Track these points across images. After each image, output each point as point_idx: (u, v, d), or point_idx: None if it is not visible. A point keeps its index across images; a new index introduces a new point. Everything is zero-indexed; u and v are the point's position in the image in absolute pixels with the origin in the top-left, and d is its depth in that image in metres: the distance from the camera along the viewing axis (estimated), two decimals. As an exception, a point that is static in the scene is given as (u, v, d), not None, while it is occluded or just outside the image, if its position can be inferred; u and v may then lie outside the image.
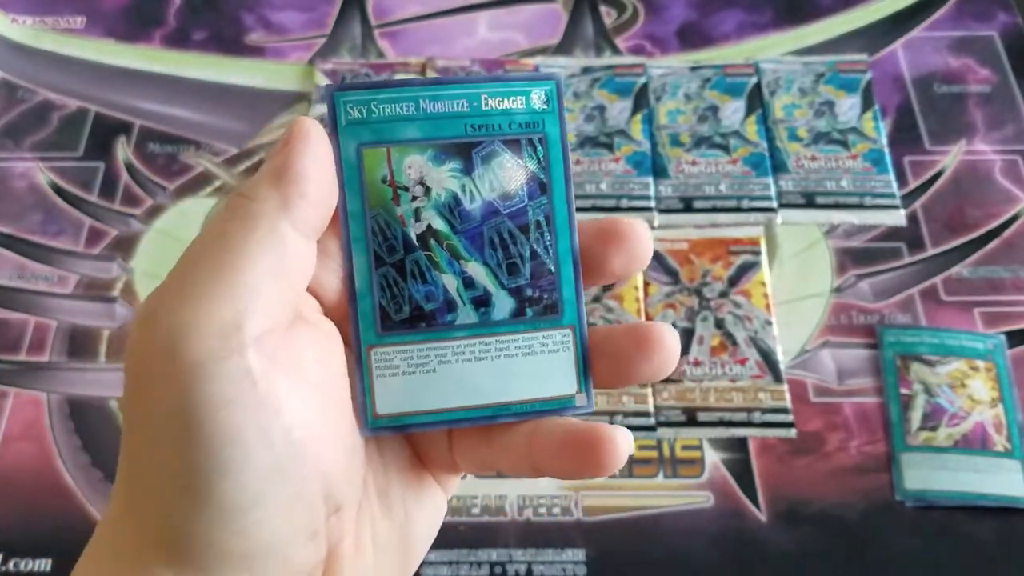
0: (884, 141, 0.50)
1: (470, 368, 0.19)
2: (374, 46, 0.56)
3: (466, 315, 0.19)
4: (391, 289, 0.19)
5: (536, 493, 0.40)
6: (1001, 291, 0.46)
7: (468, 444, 0.20)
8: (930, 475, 0.40)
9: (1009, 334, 0.44)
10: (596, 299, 0.45)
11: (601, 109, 0.52)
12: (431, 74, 0.53)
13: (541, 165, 0.19)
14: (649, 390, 0.42)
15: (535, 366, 0.19)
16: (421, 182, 0.19)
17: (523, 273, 0.19)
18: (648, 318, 0.45)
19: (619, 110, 0.51)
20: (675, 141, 0.50)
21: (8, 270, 0.47)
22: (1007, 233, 0.48)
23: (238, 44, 0.56)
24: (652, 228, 0.48)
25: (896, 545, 0.39)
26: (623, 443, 0.18)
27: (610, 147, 0.50)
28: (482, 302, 0.19)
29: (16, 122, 0.52)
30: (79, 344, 0.45)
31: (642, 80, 0.53)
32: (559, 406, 0.19)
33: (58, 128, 0.52)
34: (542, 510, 0.40)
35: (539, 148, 0.19)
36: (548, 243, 0.19)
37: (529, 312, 0.19)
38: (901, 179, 0.49)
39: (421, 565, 0.38)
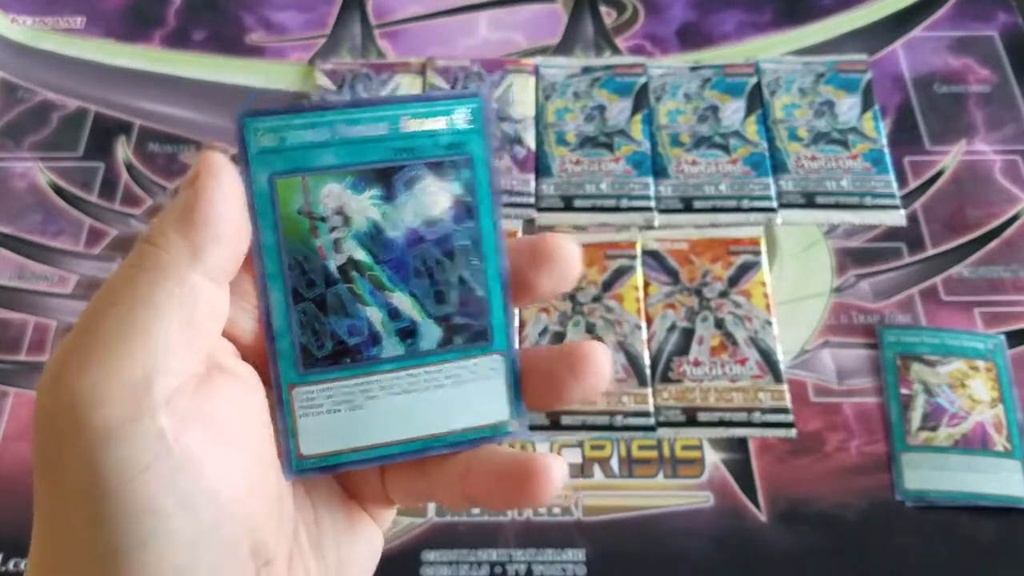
0: (884, 141, 0.50)
1: (398, 401, 0.18)
2: (374, 46, 0.56)
3: (392, 347, 0.18)
4: (312, 325, 0.18)
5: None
6: (1001, 291, 0.46)
7: (401, 477, 0.19)
8: (930, 475, 0.40)
9: (1009, 334, 0.44)
10: (596, 299, 0.45)
11: (601, 109, 0.52)
12: (431, 74, 0.53)
13: (466, 188, 0.18)
14: (649, 390, 0.42)
15: (466, 395, 0.19)
16: (340, 211, 0.18)
17: (451, 300, 0.19)
18: (648, 318, 0.45)
19: (619, 110, 0.51)
20: (675, 141, 0.50)
21: (8, 270, 0.47)
22: (1007, 233, 0.48)
23: (238, 44, 0.56)
24: (652, 228, 0.48)
25: (896, 545, 0.39)
26: (557, 473, 0.17)
27: (610, 147, 0.50)
28: (408, 333, 0.18)
29: (16, 122, 0.52)
30: (79, 344, 0.45)
31: (642, 80, 0.53)
32: (493, 434, 0.19)
33: (58, 128, 0.52)
34: (542, 510, 0.40)
35: (464, 170, 0.18)
36: (476, 268, 0.19)
37: (458, 340, 0.19)
38: (901, 179, 0.49)
39: (421, 565, 0.38)
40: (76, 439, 0.15)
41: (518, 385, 0.19)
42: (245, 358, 0.18)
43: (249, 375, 0.18)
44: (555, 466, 0.17)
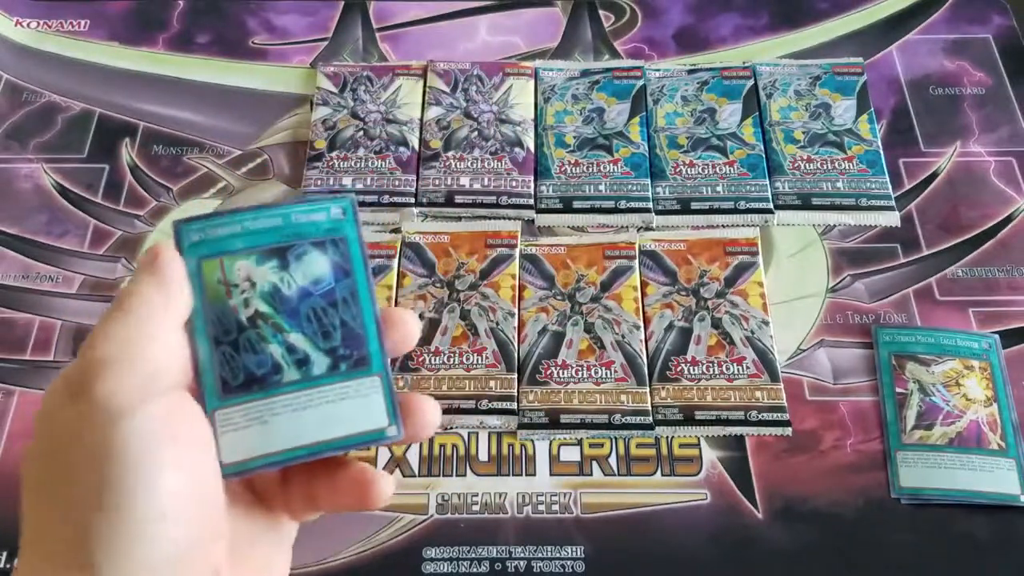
0: (879, 143, 0.51)
1: (297, 416, 0.23)
2: (376, 49, 0.56)
3: (291, 374, 0.24)
4: (229, 363, 0.23)
5: (535, 491, 0.41)
6: (996, 291, 0.46)
7: (299, 488, 0.24)
8: (925, 473, 0.40)
9: (1003, 334, 0.45)
10: (595, 299, 0.46)
11: (599, 111, 0.52)
12: (432, 75, 0.54)
13: (344, 257, 0.24)
14: (647, 389, 0.43)
15: (351, 408, 0.23)
16: (248, 279, 0.24)
17: (335, 337, 0.24)
18: (646, 317, 0.45)
19: (617, 112, 0.52)
20: (673, 143, 0.51)
21: (13, 270, 0.48)
22: (1002, 234, 0.48)
23: (241, 47, 0.56)
24: (650, 229, 0.48)
25: (891, 542, 0.39)
26: (384, 484, 0.23)
27: (608, 149, 0.51)
28: (303, 362, 0.24)
29: (21, 124, 0.53)
30: (83, 343, 0.45)
31: (640, 83, 0.53)
32: (374, 437, 0.23)
33: (63, 130, 0.53)
34: (541, 507, 0.40)
35: (340, 245, 0.25)
36: (355, 312, 0.24)
37: (343, 366, 0.24)
38: (896, 180, 0.50)
39: (422, 561, 0.39)
40: (96, 418, 0.20)
41: (394, 399, 0.24)
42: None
43: (194, 402, 0.23)
44: (382, 480, 0.23)
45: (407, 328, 0.25)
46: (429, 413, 0.24)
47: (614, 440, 0.42)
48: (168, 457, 0.20)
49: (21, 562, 0.20)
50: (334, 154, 0.50)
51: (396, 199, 0.49)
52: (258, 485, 0.25)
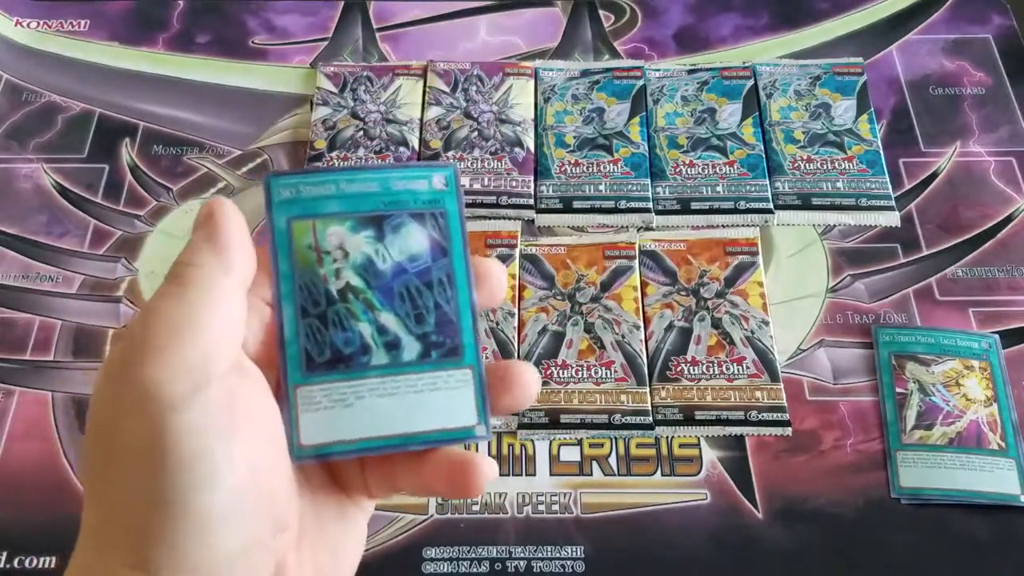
0: (879, 143, 0.51)
1: (383, 402, 0.22)
2: (376, 49, 0.56)
3: (379, 357, 0.22)
4: (315, 336, 0.22)
5: (535, 491, 0.41)
6: (996, 291, 0.46)
7: (377, 471, 0.23)
8: (925, 473, 0.40)
9: (1003, 334, 0.45)
10: (595, 299, 0.46)
11: (599, 111, 0.52)
12: (432, 75, 0.54)
13: (442, 234, 0.23)
14: (647, 389, 0.43)
15: (439, 400, 0.22)
16: (341, 247, 0.22)
17: (428, 321, 0.22)
18: (646, 317, 0.45)
19: (617, 112, 0.52)
20: (673, 143, 0.51)
21: (13, 270, 0.48)
22: (1001, 234, 0.48)
23: (241, 47, 0.56)
24: (650, 229, 0.48)
25: (891, 542, 0.39)
26: (486, 468, 0.22)
27: (609, 149, 0.51)
28: (393, 346, 0.22)
29: (21, 124, 0.53)
30: (83, 344, 0.45)
31: (640, 83, 0.53)
32: (461, 436, 0.22)
33: (63, 130, 0.53)
34: (541, 507, 0.40)
35: (440, 220, 0.23)
36: (450, 297, 0.23)
37: (434, 354, 0.22)
38: (896, 180, 0.50)
39: (422, 561, 0.39)
40: (146, 410, 0.18)
41: (484, 395, 0.22)
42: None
43: (259, 374, 0.21)
44: (485, 464, 0.22)
45: (494, 280, 0.23)
46: (529, 380, 0.22)
47: (614, 440, 0.42)
48: (228, 451, 0.18)
49: (76, 554, 0.19)
50: (334, 154, 0.50)
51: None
52: (335, 463, 0.23)
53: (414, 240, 0.23)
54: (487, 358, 0.43)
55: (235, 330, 0.20)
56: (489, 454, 0.42)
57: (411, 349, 0.22)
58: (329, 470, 0.23)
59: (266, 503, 0.20)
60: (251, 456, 0.19)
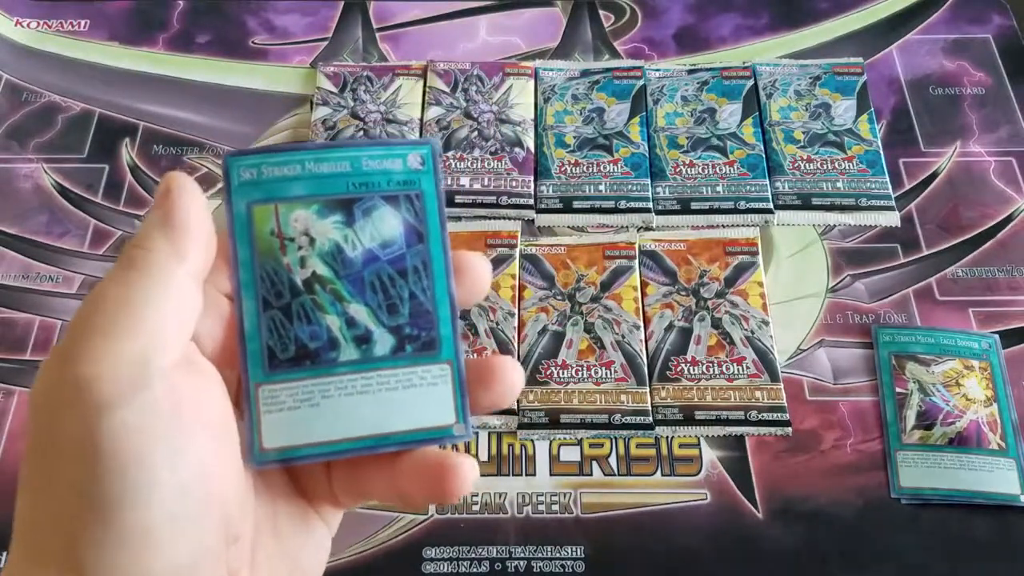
0: (879, 143, 0.51)
1: (352, 401, 0.20)
2: (375, 49, 0.56)
3: (348, 352, 0.20)
4: (278, 330, 0.20)
5: (535, 491, 0.41)
6: (996, 291, 0.46)
7: (344, 477, 0.21)
8: (925, 473, 0.40)
9: (1003, 334, 0.45)
10: (595, 299, 0.46)
11: (599, 111, 0.52)
12: (432, 75, 0.54)
13: (418, 217, 0.21)
14: (647, 389, 0.43)
15: (415, 398, 0.20)
16: (306, 233, 0.20)
17: (402, 313, 0.21)
18: (646, 317, 0.45)
19: (617, 112, 0.52)
20: (673, 143, 0.51)
21: (14, 270, 0.48)
22: (1001, 234, 0.48)
23: (241, 47, 0.56)
24: (650, 229, 0.48)
25: (891, 542, 0.39)
26: (467, 472, 0.19)
27: (609, 149, 0.51)
28: (364, 339, 0.20)
29: (21, 124, 0.53)
30: (84, 343, 0.45)
31: (640, 83, 0.53)
32: (438, 435, 0.20)
33: (63, 130, 0.53)
34: (541, 507, 0.40)
35: (416, 202, 0.21)
36: (426, 286, 0.21)
37: (409, 348, 0.21)
38: (896, 180, 0.50)
39: (422, 561, 0.39)
40: (78, 407, 0.16)
41: (463, 393, 0.21)
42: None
43: (213, 372, 0.19)
44: (465, 465, 0.19)
45: (477, 273, 0.21)
46: (511, 376, 0.20)
47: (614, 440, 0.42)
48: (170, 455, 0.17)
49: (9, 561, 0.18)
50: (334, 154, 0.50)
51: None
52: (298, 469, 0.21)
53: (387, 225, 0.21)
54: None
55: (184, 322, 0.18)
56: (489, 453, 0.42)
57: (383, 343, 0.20)
58: (291, 476, 0.21)
59: (215, 511, 0.18)
60: (198, 461, 0.18)
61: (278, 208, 0.20)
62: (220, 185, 0.51)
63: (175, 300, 0.18)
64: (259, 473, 0.20)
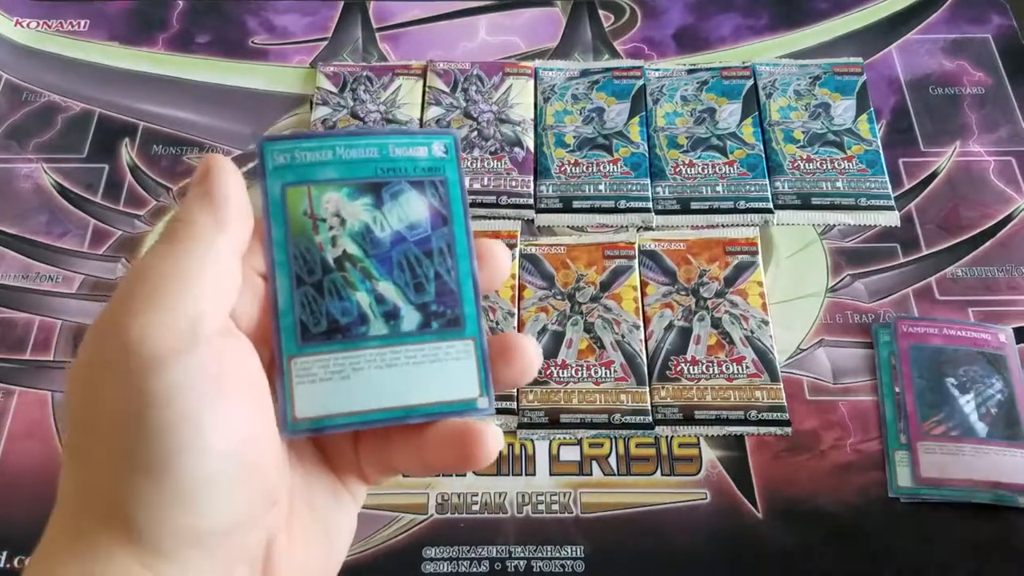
0: (879, 143, 0.51)
1: (381, 374, 0.21)
2: (375, 49, 0.56)
3: (378, 327, 0.21)
4: (310, 306, 0.21)
5: (535, 490, 0.41)
6: (995, 291, 0.46)
7: (372, 450, 0.22)
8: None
9: (1003, 333, 0.45)
10: (594, 299, 0.46)
11: (599, 111, 0.52)
12: (432, 75, 0.54)
13: (442, 202, 0.22)
14: (647, 389, 0.43)
15: (440, 372, 0.21)
16: (337, 214, 0.22)
17: (428, 291, 0.22)
18: (646, 317, 0.45)
19: (617, 112, 0.52)
20: (672, 143, 0.51)
21: (13, 270, 0.48)
22: (1001, 234, 0.48)
23: (241, 47, 0.56)
24: (650, 229, 0.48)
25: (891, 542, 0.39)
26: (491, 439, 0.20)
27: (608, 149, 0.51)
28: (392, 315, 0.22)
29: (21, 124, 0.53)
30: (83, 343, 0.45)
31: (640, 83, 0.53)
32: (463, 408, 0.21)
33: (63, 130, 0.53)
34: (541, 507, 0.40)
35: (440, 188, 0.22)
36: (450, 266, 0.22)
37: (434, 324, 0.22)
38: (896, 180, 0.50)
39: (422, 561, 0.39)
40: (126, 367, 0.17)
41: (487, 367, 0.22)
42: None
43: (249, 344, 0.20)
44: (489, 432, 0.20)
45: (497, 260, 0.22)
46: (530, 352, 0.21)
47: (614, 440, 0.42)
48: (214, 415, 0.17)
49: (52, 522, 0.18)
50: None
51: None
52: (327, 442, 0.22)
53: (413, 208, 0.22)
54: None
55: (226, 291, 0.19)
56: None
57: (410, 319, 0.21)
58: (321, 449, 0.22)
59: (256, 474, 0.19)
60: (239, 423, 0.18)
61: (311, 190, 0.21)
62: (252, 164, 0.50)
63: (218, 269, 0.19)
64: (291, 444, 0.21)
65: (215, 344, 0.18)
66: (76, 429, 0.18)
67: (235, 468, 0.18)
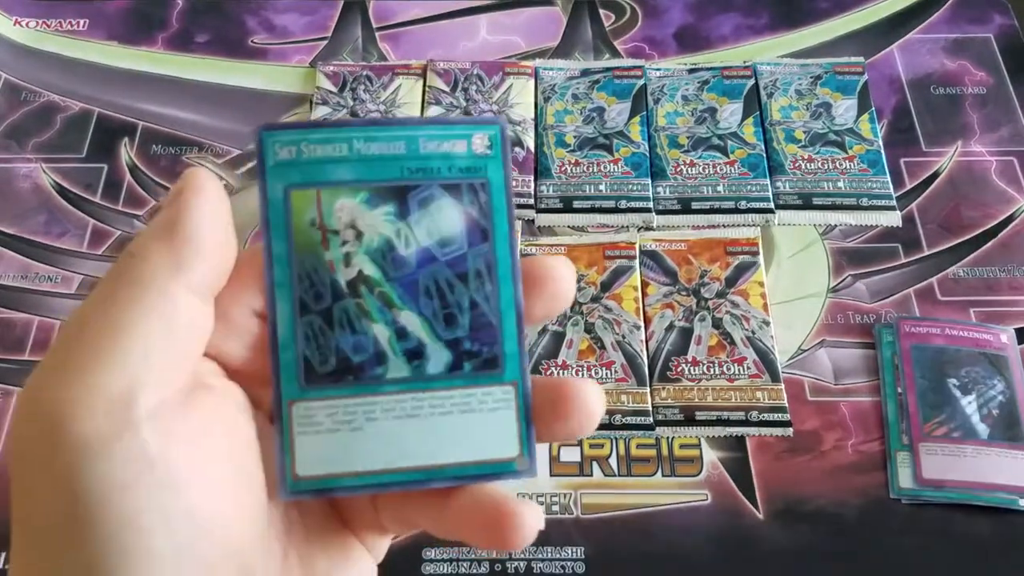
0: (880, 143, 0.51)
1: (401, 426, 0.17)
2: (375, 49, 0.56)
3: (398, 368, 0.18)
4: (317, 339, 0.17)
5: (535, 491, 0.41)
6: (997, 291, 0.46)
7: (394, 504, 0.19)
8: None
9: (1004, 334, 0.45)
10: (595, 299, 0.45)
11: (600, 111, 0.52)
12: (432, 75, 0.54)
13: (483, 211, 0.18)
14: (647, 389, 0.43)
15: (473, 425, 0.18)
16: (353, 226, 0.18)
17: (461, 324, 0.18)
18: (646, 318, 0.45)
19: (617, 112, 0.52)
20: (673, 143, 0.51)
21: (12, 270, 0.48)
22: (1003, 234, 0.48)
23: (241, 46, 0.56)
24: (651, 229, 0.48)
25: (893, 543, 0.39)
26: (529, 520, 0.17)
27: (609, 149, 0.50)
28: (416, 354, 0.18)
29: (20, 123, 0.53)
30: (82, 344, 0.45)
31: (640, 82, 0.53)
32: (499, 470, 0.18)
33: (61, 129, 0.53)
34: (541, 508, 0.40)
35: (481, 194, 0.18)
36: (489, 293, 0.18)
37: (467, 366, 0.18)
38: (897, 180, 0.50)
39: (422, 562, 0.39)
40: (53, 457, 0.14)
41: (529, 420, 0.18)
42: (233, 381, 0.18)
43: (235, 394, 0.17)
44: (528, 513, 0.17)
45: (557, 283, 0.18)
46: (590, 402, 0.17)
47: (614, 441, 0.42)
48: (164, 515, 0.14)
49: None
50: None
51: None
52: (341, 499, 0.19)
53: (446, 219, 0.18)
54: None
55: (184, 348, 0.16)
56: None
57: (438, 359, 0.18)
58: (331, 502, 0.19)
59: (227, 566, 0.16)
60: (202, 516, 0.15)
61: (320, 194, 0.17)
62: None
63: (169, 321, 0.15)
64: (291, 503, 0.18)
65: (163, 420, 0.15)
66: (14, 523, 0.15)
67: (196, 568, 0.15)
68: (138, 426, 0.14)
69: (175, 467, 0.15)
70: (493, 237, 0.18)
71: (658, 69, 0.54)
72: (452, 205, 0.18)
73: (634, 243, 0.47)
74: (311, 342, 0.17)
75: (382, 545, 0.20)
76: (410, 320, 0.18)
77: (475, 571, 0.38)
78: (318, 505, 0.19)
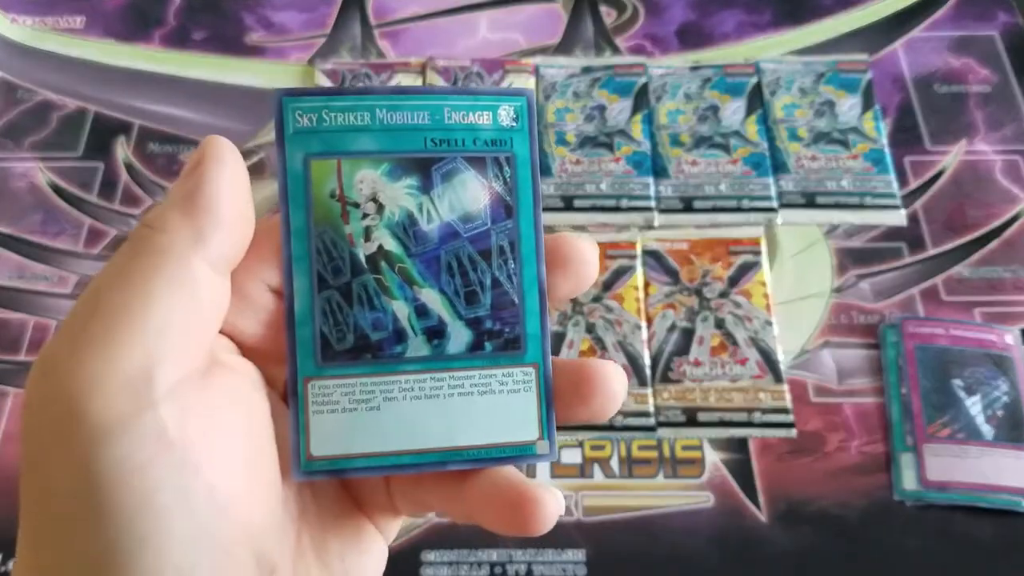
0: (884, 141, 0.50)
1: (419, 407, 0.17)
2: (374, 46, 0.56)
3: (417, 347, 0.17)
4: (335, 315, 0.17)
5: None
6: (1001, 291, 0.46)
7: (408, 486, 0.18)
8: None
9: (1009, 334, 0.44)
10: (596, 299, 0.45)
11: (601, 109, 0.52)
12: (432, 74, 0.53)
13: (507, 186, 0.18)
14: (649, 390, 0.42)
15: (492, 407, 0.17)
16: (374, 199, 0.17)
17: (483, 303, 0.17)
18: (648, 318, 0.45)
19: (619, 110, 0.51)
20: (675, 141, 0.50)
21: (8, 270, 0.47)
22: (1007, 233, 0.48)
23: (238, 44, 0.56)
24: (652, 228, 0.48)
25: (896, 545, 0.39)
26: (551, 505, 0.16)
27: (610, 147, 0.50)
28: (436, 333, 0.17)
29: (16, 122, 0.52)
30: (79, 344, 0.45)
31: (642, 80, 0.53)
32: (518, 453, 0.17)
33: (58, 128, 0.52)
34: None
35: (506, 168, 0.18)
36: (512, 271, 0.17)
37: (488, 346, 0.17)
38: (902, 179, 0.49)
39: (421, 565, 0.38)
40: (70, 436, 0.14)
41: (550, 403, 0.18)
42: (247, 359, 0.18)
43: (251, 371, 0.17)
44: (548, 497, 0.16)
45: (581, 262, 0.17)
46: (613, 384, 0.17)
47: (616, 442, 0.42)
48: (182, 495, 0.14)
49: None
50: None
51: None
52: (354, 480, 0.19)
53: (470, 194, 0.17)
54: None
55: (202, 323, 0.15)
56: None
57: (458, 338, 0.17)
58: (344, 482, 0.19)
59: (243, 549, 0.15)
60: (220, 495, 0.15)
61: (341, 165, 0.17)
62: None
63: (189, 296, 0.15)
64: (305, 484, 0.18)
65: (182, 398, 0.14)
66: (26, 506, 0.15)
67: (212, 553, 0.14)
68: (156, 405, 0.14)
69: (193, 446, 0.14)
70: (517, 213, 0.18)
71: (660, 67, 0.54)
72: (476, 179, 0.17)
73: (636, 242, 0.47)
74: (329, 318, 0.17)
75: (394, 526, 0.20)
76: (430, 297, 0.17)
77: (475, 574, 0.38)
78: (331, 486, 0.18)
